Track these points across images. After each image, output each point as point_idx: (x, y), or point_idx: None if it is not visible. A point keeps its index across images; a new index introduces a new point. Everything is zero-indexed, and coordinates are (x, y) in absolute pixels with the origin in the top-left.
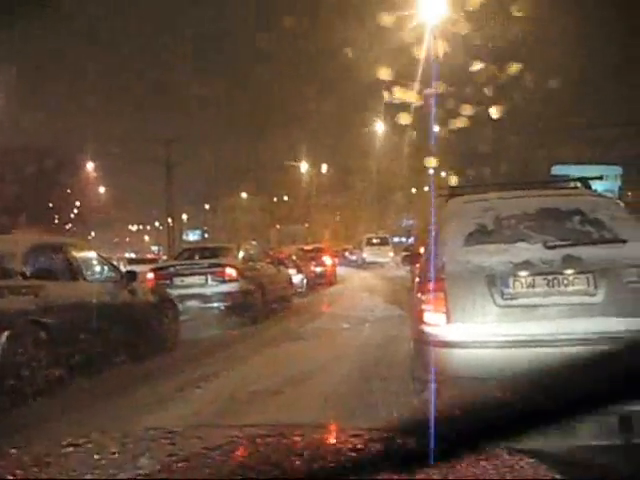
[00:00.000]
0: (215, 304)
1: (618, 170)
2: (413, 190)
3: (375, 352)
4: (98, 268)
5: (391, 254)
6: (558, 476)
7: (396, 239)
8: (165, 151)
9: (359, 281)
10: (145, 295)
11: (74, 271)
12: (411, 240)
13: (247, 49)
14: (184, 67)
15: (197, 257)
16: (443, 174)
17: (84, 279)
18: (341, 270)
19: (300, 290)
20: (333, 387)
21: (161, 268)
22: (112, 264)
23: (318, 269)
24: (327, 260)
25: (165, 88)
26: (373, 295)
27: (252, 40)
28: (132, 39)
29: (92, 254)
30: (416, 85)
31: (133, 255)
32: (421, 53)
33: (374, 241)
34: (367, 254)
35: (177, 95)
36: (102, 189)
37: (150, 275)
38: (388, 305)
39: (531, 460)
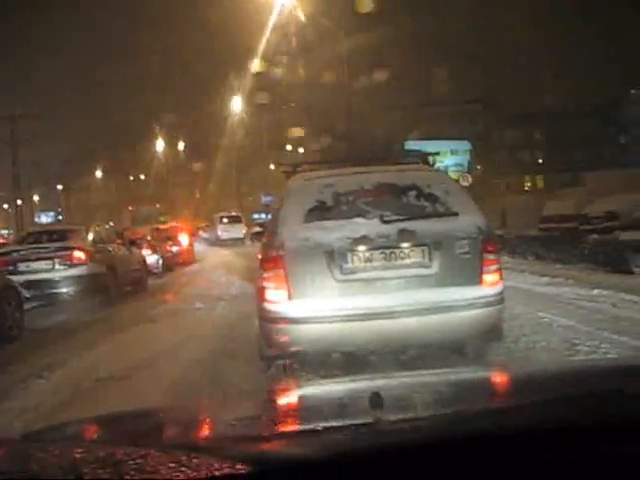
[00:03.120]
0: (64, 289)
1: (468, 145)
2: (271, 166)
3: (227, 331)
4: None
5: (244, 231)
6: (239, 466)
7: (256, 215)
8: (11, 128)
9: (217, 259)
10: None
11: None
12: (269, 216)
13: (101, 21)
14: (32, 43)
15: (43, 240)
16: (301, 150)
17: None
18: (199, 248)
19: (156, 271)
20: (182, 369)
21: (3, 254)
22: None
23: (174, 248)
24: (184, 239)
25: (11, 64)
26: (230, 273)
27: (105, 13)
28: None
29: None
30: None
31: None
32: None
33: (227, 219)
34: (221, 231)
35: (26, 71)
36: None
37: None
38: (244, 282)
39: (195, 455)
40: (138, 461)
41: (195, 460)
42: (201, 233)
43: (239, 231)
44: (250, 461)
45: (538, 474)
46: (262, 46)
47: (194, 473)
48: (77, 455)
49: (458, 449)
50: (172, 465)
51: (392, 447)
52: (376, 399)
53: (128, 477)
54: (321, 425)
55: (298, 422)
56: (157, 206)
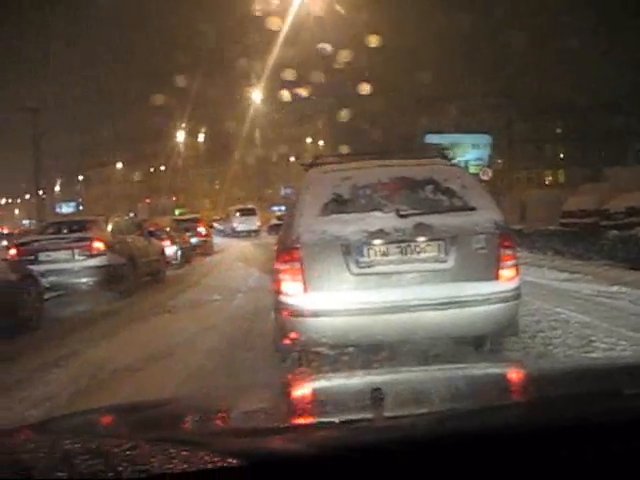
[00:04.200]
0: (83, 279)
1: (488, 139)
2: (292, 159)
3: (244, 323)
4: None
5: (258, 223)
6: (230, 460)
7: (275, 208)
8: (32, 120)
9: (235, 251)
10: (3, 272)
11: None
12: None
13: (120, 14)
14: (51, 36)
15: (64, 231)
16: (321, 143)
17: None
18: (216, 240)
19: (175, 262)
20: (198, 361)
21: (24, 243)
22: None
23: (194, 240)
24: (203, 230)
25: (33, 56)
26: (248, 265)
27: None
28: None
29: None
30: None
31: None
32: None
33: (242, 212)
34: (237, 224)
35: (46, 63)
36: None
37: (13, 251)
38: (262, 274)
39: (186, 448)
40: (128, 453)
41: (184, 453)
42: (216, 225)
43: (253, 223)
44: (242, 455)
45: (537, 473)
46: (283, 40)
47: (185, 466)
48: (69, 446)
49: (454, 447)
50: (162, 457)
51: (388, 444)
52: (377, 395)
53: (121, 468)
54: (321, 420)
55: (301, 416)
56: (173, 199)
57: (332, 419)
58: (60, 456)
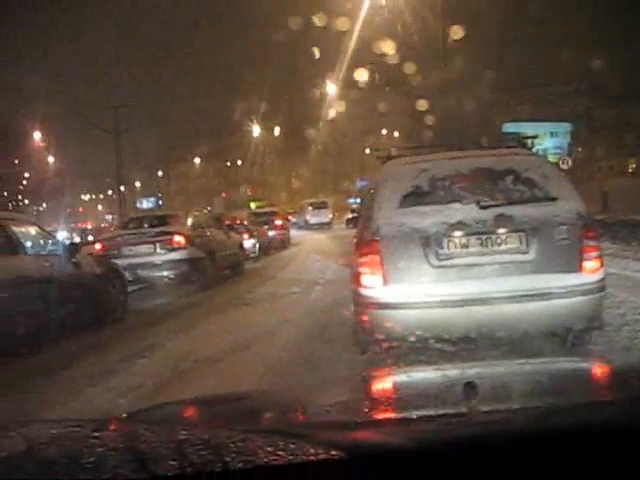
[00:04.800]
0: (164, 272)
1: (568, 127)
2: (367, 151)
3: (323, 315)
4: (39, 241)
5: (330, 216)
6: (333, 452)
7: (351, 200)
8: (114, 118)
9: (311, 243)
10: (90, 266)
11: (14, 245)
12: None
13: (196, 11)
14: (131, 32)
15: (145, 225)
16: (396, 134)
17: (24, 253)
18: (292, 233)
19: (253, 255)
20: (277, 353)
21: (108, 238)
22: (54, 237)
23: (271, 233)
24: (280, 224)
25: (114, 53)
26: (325, 257)
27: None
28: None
29: (32, 228)
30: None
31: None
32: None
33: (315, 205)
34: (310, 217)
35: (127, 62)
36: (51, 159)
37: (98, 245)
38: (339, 266)
39: (292, 440)
40: (238, 444)
41: (292, 445)
42: (290, 218)
43: (326, 216)
44: (344, 448)
45: (624, 472)
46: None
47: (291, 457)
48: (182, 436)
49: (550, 443)
50: (270, 449)
51: (486, 438)
52: (471, 389)
53: (229, 459)
54: (415, 414)
55: (392, 409)
56: (248, 192)
57: (427, 413)
58: (175, 445)
